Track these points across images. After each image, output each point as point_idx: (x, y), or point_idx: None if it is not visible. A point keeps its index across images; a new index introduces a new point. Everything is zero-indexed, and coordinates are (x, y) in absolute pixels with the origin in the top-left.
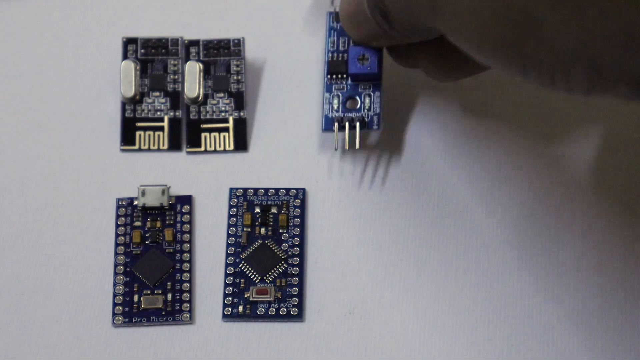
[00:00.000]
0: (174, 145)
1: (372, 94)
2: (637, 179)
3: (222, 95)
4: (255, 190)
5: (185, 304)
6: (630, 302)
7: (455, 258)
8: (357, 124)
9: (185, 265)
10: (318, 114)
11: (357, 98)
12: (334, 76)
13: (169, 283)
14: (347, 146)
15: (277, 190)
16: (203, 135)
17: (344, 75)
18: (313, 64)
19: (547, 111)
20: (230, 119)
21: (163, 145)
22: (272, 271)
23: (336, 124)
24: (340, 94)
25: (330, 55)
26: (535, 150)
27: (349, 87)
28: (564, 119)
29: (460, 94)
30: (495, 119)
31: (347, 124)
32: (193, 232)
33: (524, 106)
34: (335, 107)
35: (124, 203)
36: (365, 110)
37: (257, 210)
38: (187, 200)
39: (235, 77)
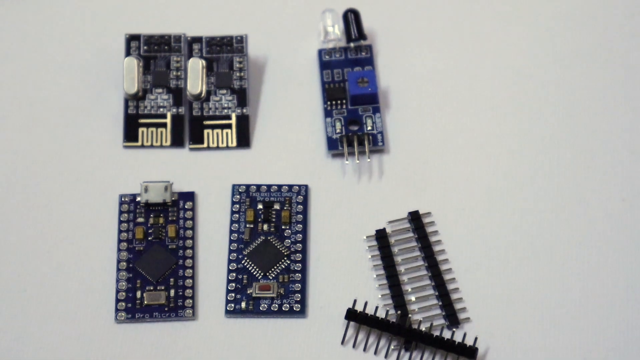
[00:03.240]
0: (177, 141)
1: (372, 115)
2: None
3: (224, 92)
4: (258, 186)
5: (188, 300)
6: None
7: (456, 255)
8: (366, 137)
9: (188, 262)
10: (320, 111)
11: (359, 120)
12: (333, 102)
13: (171, 279)
14: (357, 159)
15: (279, 186)
16: (206, 131)
17: (343, 101)
18: (315, 61)
19: (547, 111)
20: (233, 116)
21: (166, 141)
22: (275, 267)
23: (345, 140)
24: (342, 118)
25: (327, 85)
26: (536, 147)
27: (349, 111)
28: (565, 116)
29: (461, 95)
30: (495, 118)
31: (355, 138)
32: (196, 229)
33: (524, 105)
34: (337, 129)
35: (126, 199)
36: (368, 129)
37: (260, 206)
38: (189, 196)
39: (237, 74)
